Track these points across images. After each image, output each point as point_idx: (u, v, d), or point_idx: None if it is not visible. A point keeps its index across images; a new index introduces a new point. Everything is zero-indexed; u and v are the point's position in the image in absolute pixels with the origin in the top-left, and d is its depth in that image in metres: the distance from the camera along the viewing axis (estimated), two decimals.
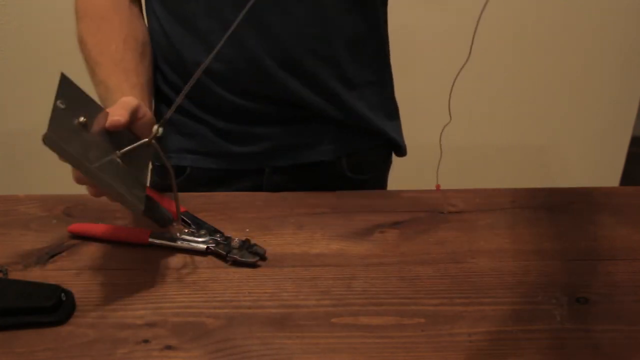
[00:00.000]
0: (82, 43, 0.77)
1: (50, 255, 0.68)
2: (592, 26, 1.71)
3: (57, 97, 0.57)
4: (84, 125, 0.58)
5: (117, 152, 0.60)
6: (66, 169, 0.61)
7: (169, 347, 0.56)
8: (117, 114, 0.61)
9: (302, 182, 0.87)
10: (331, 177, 0.89)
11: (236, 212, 0.77)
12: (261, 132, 0.84)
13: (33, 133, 1.62)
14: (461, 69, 0.85)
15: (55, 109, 0.56)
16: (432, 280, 0.65)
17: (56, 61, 1.69)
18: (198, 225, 0.72)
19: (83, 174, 0.57)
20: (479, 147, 1.77)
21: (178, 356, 0.55)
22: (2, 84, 1.72)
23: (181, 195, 0.79)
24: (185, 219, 0.73)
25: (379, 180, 0.97)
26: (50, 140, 0.53)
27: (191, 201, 0.79)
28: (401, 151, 0.95)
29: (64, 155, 0.55)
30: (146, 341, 0.56)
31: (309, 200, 0.80)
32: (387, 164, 0.99)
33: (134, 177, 0.60)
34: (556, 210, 0.78)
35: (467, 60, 0.84)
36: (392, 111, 0.94)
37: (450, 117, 0.86)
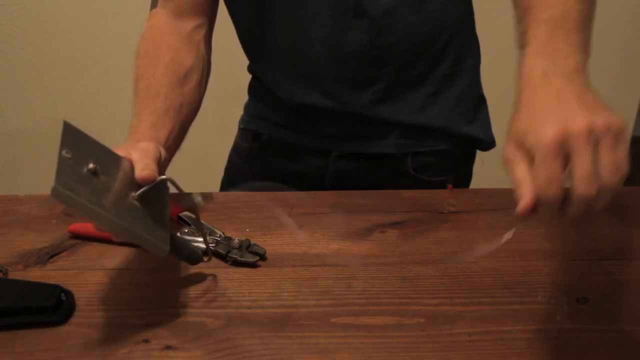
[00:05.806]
0: (135, 61, 0.78)
1: (50, 255, 0.68)
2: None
3: (61, 147, 0.53)
4: (94, 172, 0.54)
5: (133, 194, 0.56)
6: None
7: (169, 347, 0.56)
8: (148, 168, 0.59)
9: (365, 173, 0.90)
10: (395, 173, 0.90)
11: (236, 212, 0.77)
12: (334, 116, 0.86)
13: (33, 133, 1.62)
14: None
15: (60, 159, 0.52)
16: (432, 280, 0.65)
17: (56, 61, 1.69)
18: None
19: (98, 223, 0.53)
20: None
21: (178, 356, 0.55)
22: (2, 84, 1.72)
23: (181, 195, 0.79)
24: (185, 219, 0.73)
25: (454, 180, 0.90)
26: (58, 193, 0.49)
27: (191, 201, 0.79)
28: (484, 146, 0.91)
29: (76, 207, 0.50)
30: (146, 341, 0.56)
31: (309, 200, 0.80)
32: (467, 162, 0.95)
33: (154, 218, 0.57)
34: None
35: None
36: (472, 104, 0.90)
37: None
